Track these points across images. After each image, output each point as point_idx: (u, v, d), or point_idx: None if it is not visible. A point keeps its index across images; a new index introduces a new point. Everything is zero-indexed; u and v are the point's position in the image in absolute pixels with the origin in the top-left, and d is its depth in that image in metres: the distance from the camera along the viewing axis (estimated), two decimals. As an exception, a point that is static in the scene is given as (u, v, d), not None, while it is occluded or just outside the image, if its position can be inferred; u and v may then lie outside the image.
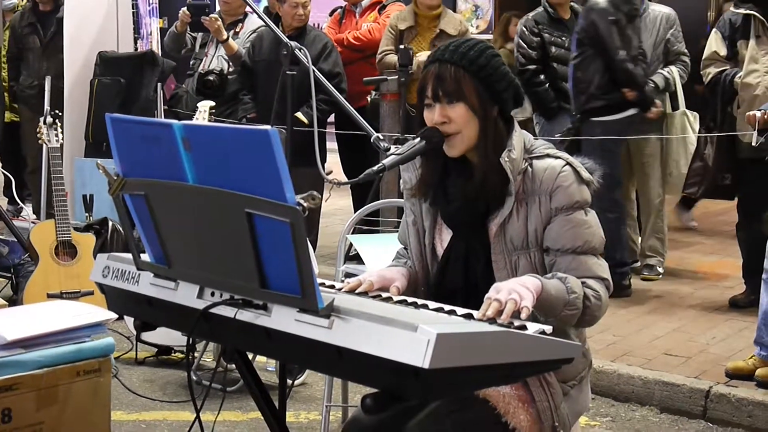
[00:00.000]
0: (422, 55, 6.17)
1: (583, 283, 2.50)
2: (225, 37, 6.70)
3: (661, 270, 6.62)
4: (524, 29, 6.79)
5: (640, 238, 6.76)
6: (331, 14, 7.72)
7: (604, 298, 2.54)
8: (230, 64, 6.83)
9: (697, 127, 6.37)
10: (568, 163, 2.57)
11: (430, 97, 2.56)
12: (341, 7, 7.44)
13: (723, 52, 5.84)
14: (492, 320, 2.25)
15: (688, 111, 6.39)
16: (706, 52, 5.95)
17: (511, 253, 2.57)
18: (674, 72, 6.33)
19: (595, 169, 2.64)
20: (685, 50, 6.43)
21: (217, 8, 7.37)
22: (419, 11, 6.65)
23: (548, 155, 2.59)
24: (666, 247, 6.68)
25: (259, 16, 4.46)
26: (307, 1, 6.48)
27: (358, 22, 7.16)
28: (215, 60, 6.89)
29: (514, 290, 2.33)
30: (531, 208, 2.56)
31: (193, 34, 7.14)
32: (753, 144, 5.16)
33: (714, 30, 5.97)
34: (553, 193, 2.54)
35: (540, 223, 2.56)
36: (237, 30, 6.97)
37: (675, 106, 6.41)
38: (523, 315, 2.28)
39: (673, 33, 6.36)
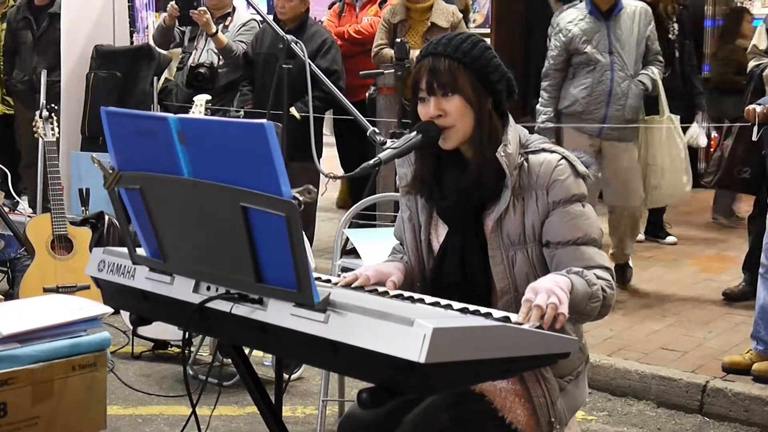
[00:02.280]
0: (417, 52, 6.16)
1: (593, 273, 2.49)
2: (214, 30, 6.68)
3: (629, 278, 6.27)
4: None
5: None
6: (330, 7, 7.68)
7: (614, 285, 2.54)
8: (220, 57, 6.83)
9: (682, 132, 6.04)
10: (563, 157, 2.56)
11: (425, 91, 2.55)
12: (341, 0, 7.41)
13: (763, 45, 5.77)
14: (489, 314, 2.25)
15: (672, 115, 5.98)
16: (750, 45, 5.93)
17: (508, 248, 2.57)
18: (656, 73, 5.87)
19: (590, 162, 2.64)
20: (660, 49, 5.98)
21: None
22: (409, 5, 6.63)
23: (543, 149, 2.59)
24: (633, 246, 6.32)
25: (255, 9, 4.45)
26: None
27: (358, 15, 7.13)
28: (204, 53, 6.88)
29: (552, 292, 2.30)
30: (528, 203, 2.56)
31: (181, 28, 7.12)
32: (753, 138, 5.15)
33: (762, 22, 5.89)
34: (549, 187, 2.54)
35: (537, 217, 2.55)
36: (226, 23, 6.95)
37: (656, 111, 5.95)
38: (558, 325, 2.26)
39: (651, 30, 5.87)
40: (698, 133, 6.56)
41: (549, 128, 5.87)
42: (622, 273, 6.20)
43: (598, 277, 2.49)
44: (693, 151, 7.12)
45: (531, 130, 2.71)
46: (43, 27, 7.61)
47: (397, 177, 2.80)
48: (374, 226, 5.26)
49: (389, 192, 5.17)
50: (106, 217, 5.84)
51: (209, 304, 2.26)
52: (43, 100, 6.32)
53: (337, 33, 7.00)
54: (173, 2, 6.86)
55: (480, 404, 2.52)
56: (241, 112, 6.55)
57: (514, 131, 2.60)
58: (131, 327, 4.34)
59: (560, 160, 2.56)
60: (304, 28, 6.43)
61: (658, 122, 5.92)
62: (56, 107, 5.81)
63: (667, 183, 5.98)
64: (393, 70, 5.96)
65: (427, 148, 2.59)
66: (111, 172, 2.42)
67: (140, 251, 2.51)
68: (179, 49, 7.27)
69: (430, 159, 2.64)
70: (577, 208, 2.55)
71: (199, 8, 6.66)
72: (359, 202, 4.08)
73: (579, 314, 2.45)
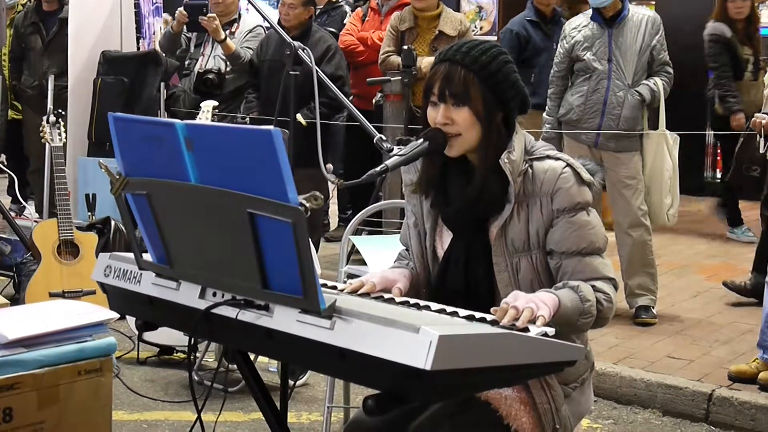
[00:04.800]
0: (424, 60, 6.16)
1: (592, 286, 2.50)
2: (222, 36, 6.70)
3: (655, 311, 5.69)
4: None
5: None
6: (353, 10, 7.65)
7: (614, 298, 2.54)
8: (227, 63, 6.84)
9: (676, 152, 5.60)
10: (568, 165, 2.56)
11: (436, 96, 2.55)
12: (365, 3, 7.37)
13: None
14: (495, 321, 2.25)
15: (668, 132, 5.59)
16: None
17: (512, 255, 2.56)
18: (659, 85, 5.55)
19: (596, 170, 2.64)
20: (669, 60, 5.67)
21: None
22: (417, 12, 6.60)
23: (548, 156, 2.58)
24: (657, 283, 5.74)
25: (262, 16, 4.46)
26: (294, 3, 6.43)
27: (383, 21, 7.04)
28: (211, 60, 6.91)
29: (532, 300, 2.34)
30: (532, 210, 2.55)
31: (187, 34, 7.13)
32: (761, 150, 5.13)
33: None
34: (554, 195, 2.54)
35: (541, 225, 2.55)
36: (233, 30, 6.98)
37: (654, 125, 5.62)
38: (539, 323, 2.28)
39: (658, 39, 5.58)
40: None
41: (553, 138, 5.74)
42: (644, 311, 5.68)
43: (597, 290, 2.50)
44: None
45: (536, 138, 2.71)
46: (53, 32, 7.63)
47: (403, 185, 2.80)
48: (380, 233, 5.27)
49: (395, 199, 5.17)
50: (113, 223, 5.85)
51: (215, 310, 2.27)
52: (50, 105, 6.34)
53: (360, 38, 6.98)
54: (181, 8, 6.88)
55: (485, 412, 2.52)
56: (247, 119, 6.57)
57: (520, 138, 2.59)
58: (137, 332, 4.35)
59: (565, 167, 2.55)
60: (308, 34, 6.45)
61: (653, 137, 5.61)
62: (64, 112, 5.83)
63: (649, 203, 5.66)
64: (400, 78, 5.96)
65: (433, 154, 2.59)
66: (118, 177, 2.42)
67: (146, 257, 2.51)
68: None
69: (436, 164, 2.63)
70: (582, 217, 2.54)
71: (209, 15, 6.68)
72: (365, 209, 4.08)
73: (570, 329, 2.45)
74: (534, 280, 2.56)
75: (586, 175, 2.58)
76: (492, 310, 2.32)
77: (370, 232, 5.77)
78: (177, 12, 6.99)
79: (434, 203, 2.68)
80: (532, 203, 2.56)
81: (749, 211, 8.03)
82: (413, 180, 2.71)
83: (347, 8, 8.07)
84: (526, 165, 2.57)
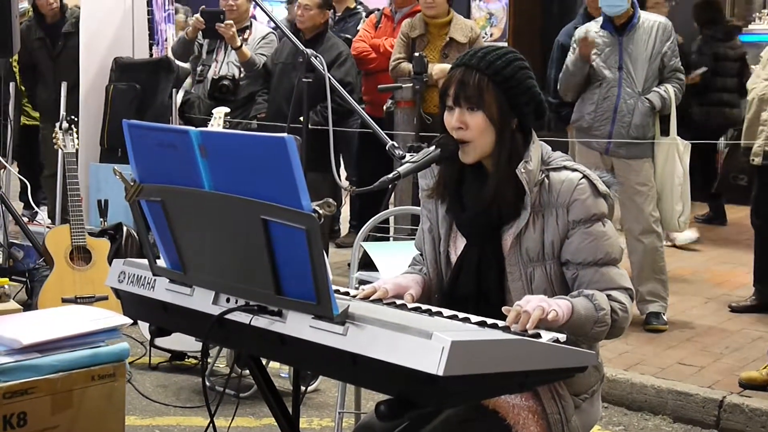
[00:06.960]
0: (435, 66, 6.17)
1: (608, 296, 2.51)
2: (239, 44, 6.73)
3: (666, 318, 5.72)
4: None
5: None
6: (367, 16, 7.66)
7: (629, 308, 2.55)
8: (241, 69, 6.87)
9: (687, 159, 5.58)
10: (584, 176, 2.57)
11: (452, 100, 2.57)
12: (379, 10, 7.39)
13: None
14: (507, 327, 2.26)
15: (679, 139, 5.58)
16: None
17: (527, 264, 2.57)
18: (671, 91, 5.52)
19: (612, 182, 2.64)
20: (681, 66, 5.66)
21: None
22: (428, 19, 6.59)
23: (565, 167, 2.59)
24: (668, 290, 5.75)
25: (275, 23, 4.48)
26: (310, 5, 6.46)
27: (395, 28, 7.01)
28: (225, 66, 6.93)
29: (545, 300, 2.36)
30: (548, 220, 2.56)
31: (200, 41, 7.16)
32: None
33: None
34: (570, 206, 2.54)
35: (557, 235, 2.56)
36: (245, 37, 6.99)
37: (665, 132, 5.59)
38: (551, 317, 2.31)
39: (669, 46, 5.54)
40: None
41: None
42: (655, 317, 5.69)
43: (613, 300, 2.51)
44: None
45: (549, 145, 2.72)
46: (60, 46, 7.67)
47: (419, 190, 2.81)
48: (388, 239, 5.27)
49: (405, 206, 5.17)
50: (125, 228, 5.88)
51: (229, 316, 2.28)
52: (63, 111, 6.36)
53: (373, 45, 6.97)
54: (198, 15, 6.91)
55: (493, 421, 2.52)
56: (255, 123, 6.59)
57: (537, 148, 2.60)
58: (149, 337, 4.37)
59: (581, 179, 2.56)
60: (322, 39, 6.47)
61: (663, 143, 5.58)
62: (77, 119, 5.85)
63: (660, 210, 5.65)
64: (411, 84, 5.96)
65: (448, 160, 2.60)
66: (132, 184, 2.44)
67: (160, 262, 2.53)
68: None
69: (452, 169, 2.65)
70: (599, 228, 2.55)
71: (226, 22, 6.70)
72: (377, 215, 4.09)
73: (584, 337, 2.46)
74: (548, 290, 2.56)
75: (602, 187, 2.58)
76: (504, 309, 2.33)
77: (379, 239, 5.76)
78: (193, 19, 7.02)
79: (449, 208, 2.69)
80: (547, 213, 2.56)
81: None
82: (429, 185, 2.72)
83: (363, 15, 8.07)
84: (543, 175, 2.57)
